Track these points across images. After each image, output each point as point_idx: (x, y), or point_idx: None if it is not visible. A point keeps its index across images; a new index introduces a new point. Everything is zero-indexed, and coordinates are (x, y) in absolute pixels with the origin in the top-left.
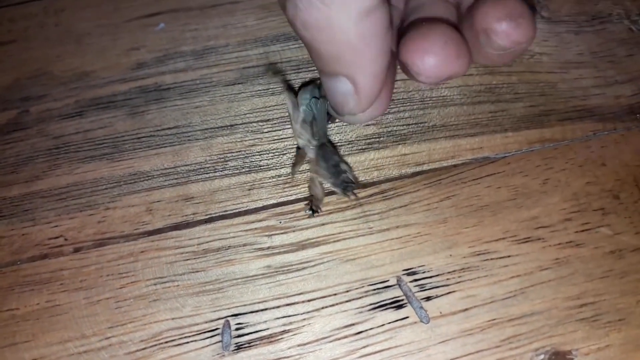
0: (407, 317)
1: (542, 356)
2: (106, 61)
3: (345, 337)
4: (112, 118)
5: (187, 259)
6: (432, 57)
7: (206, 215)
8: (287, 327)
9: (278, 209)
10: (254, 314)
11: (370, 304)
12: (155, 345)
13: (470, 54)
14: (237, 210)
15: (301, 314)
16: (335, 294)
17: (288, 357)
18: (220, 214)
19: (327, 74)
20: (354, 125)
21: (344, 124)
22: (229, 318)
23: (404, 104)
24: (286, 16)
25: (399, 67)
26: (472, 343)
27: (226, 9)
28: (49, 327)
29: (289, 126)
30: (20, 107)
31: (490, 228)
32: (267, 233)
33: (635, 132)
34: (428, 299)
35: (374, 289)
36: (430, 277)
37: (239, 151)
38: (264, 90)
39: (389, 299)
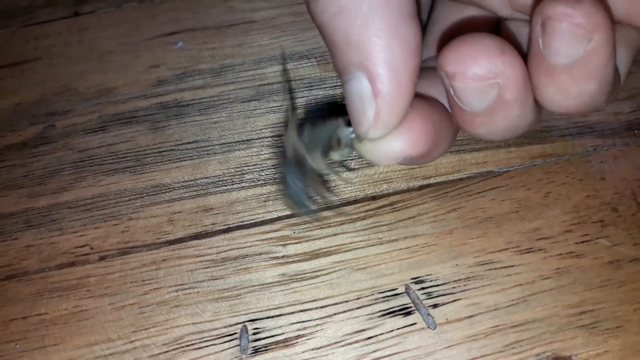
0: (415, 324)
1: None
2: (128, 78)
3: (357, 342)
4: (134, 133)
5: (207, 267)
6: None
7: (224, 225)
8: (301, 332)
9: (292, 220)
10: (270, 319)
11: (380, 311)
12: (177, 348)
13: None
14: (253, 221)
15: (314, 319)
16: (346, 301)
17: None
18: (238, 224)
19: (343, 72)
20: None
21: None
22: (246, 323)
23: None
24: (306, 3)
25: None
26: (477, 348)
27: (242, 29)
28: (76, 331)
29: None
30: (46, 122)
31: (494, 239)
32: (282, 243)
33: (633, 148)
34: (435, 306)
35: (384, 297)
36: (437, 285)
37: (255, 164)
38: (279, 107)
39: (398, 306)
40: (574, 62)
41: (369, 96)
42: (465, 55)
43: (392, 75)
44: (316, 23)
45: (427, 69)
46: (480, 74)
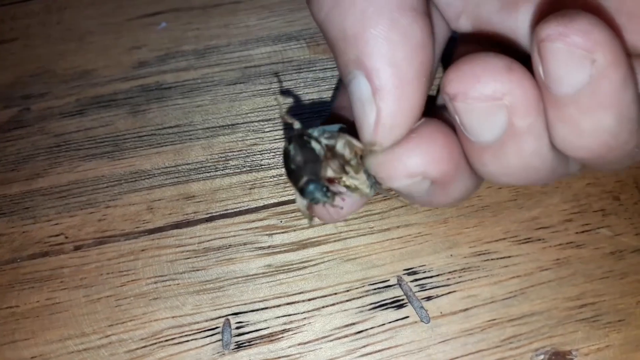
0: (407, 317)
1: (542, 356)
2: (108, 60)
3: (346, 336)
4: (114, 116)
5: (188, 258)
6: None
7: (207, 214)
8: (287, 326)
9: (279, 208)
10: (254, 312)
11: (371, 304)
12: (156, 343)
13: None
14: (238, 209)
15: (301, 313)
16: (335, 293)
17: (288, 355)
18: (221, 212)
19: (344, 73)
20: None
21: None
22: (229, 317)
23: None
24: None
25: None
26: (473, 343)
27: (228, 9)
28: (48, 324)
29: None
30: (22, 105)
31: (491, 228)
32: (267, 232)
33: None
34: (428, 298)
35: (375, 289)
36: (431, 276)
37: (240, 150)
38: (265, 89)
39: (390, 298)
40: (582, 89)
41: (369, 96)
42: (467, 74)
43: (391, 70)
44: (317, 22)
45: None
46: (484, 93)
